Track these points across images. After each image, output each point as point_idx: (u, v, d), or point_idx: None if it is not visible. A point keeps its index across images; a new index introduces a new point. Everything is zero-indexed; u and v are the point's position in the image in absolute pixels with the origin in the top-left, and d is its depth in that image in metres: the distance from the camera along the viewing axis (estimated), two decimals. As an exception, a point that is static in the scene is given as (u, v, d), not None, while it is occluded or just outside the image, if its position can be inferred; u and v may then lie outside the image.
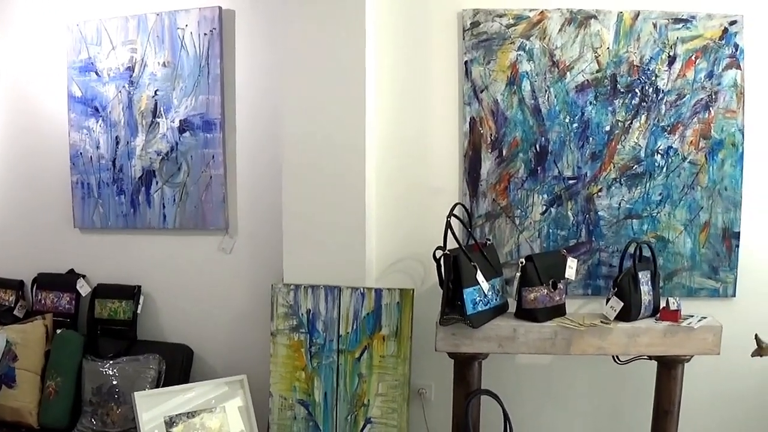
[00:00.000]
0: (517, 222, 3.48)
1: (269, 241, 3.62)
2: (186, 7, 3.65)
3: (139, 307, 3.79)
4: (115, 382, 3.58)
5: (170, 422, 3.28)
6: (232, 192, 3.72)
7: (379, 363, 3.31)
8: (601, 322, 3.10)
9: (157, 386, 3.56)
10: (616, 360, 3.26)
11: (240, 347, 3.76)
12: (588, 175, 3.43)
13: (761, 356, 3.04)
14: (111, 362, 3.65)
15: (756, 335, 3.03)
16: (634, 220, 3.44)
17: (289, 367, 3.39)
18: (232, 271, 3.76)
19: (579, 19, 3.39)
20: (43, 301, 3.95)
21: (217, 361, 3.80)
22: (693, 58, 3.38)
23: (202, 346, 3.79)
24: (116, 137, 3.80)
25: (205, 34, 3.63)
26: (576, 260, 3.28)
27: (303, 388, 3.38)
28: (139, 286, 3.82)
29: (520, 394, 3.54)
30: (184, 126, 3.69)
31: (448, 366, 3.21)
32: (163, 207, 3.76)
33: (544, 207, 3.47)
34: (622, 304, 3.10)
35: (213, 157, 3.67)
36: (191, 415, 3.33)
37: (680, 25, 3.37)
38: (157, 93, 3.72)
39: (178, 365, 3.67)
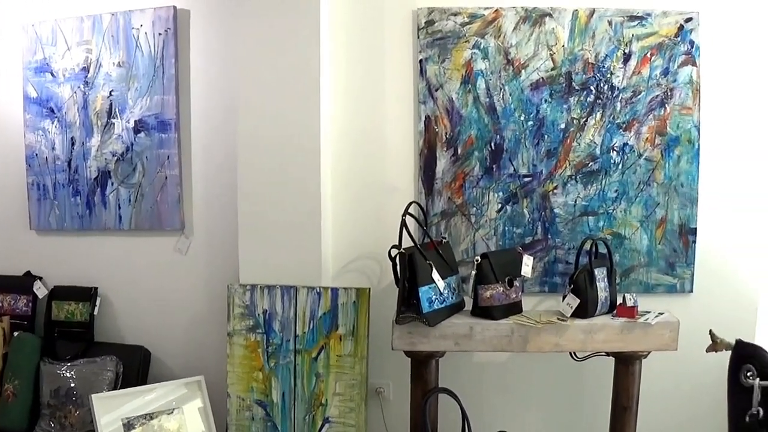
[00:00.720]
0: (473, 220, 3.48)
1: (225, 242, 3.61)
2: (141, 6, 3.62)
3: (96, 308, 3.76)
4: (72, 385, 3.55)
5: (128, 425, 3.25)
6: (187, 192, 3.70)
7: (337, 362, 3.31)
8: (558, 319, 3.11)
9: (115, 388, 3.53)
10: (574, 357, 3.27)
11: (197, 348, 3.74)
12: (543, 172, 3.44)
13: (716, 351, 3.04)
14: (68, 364, 3.61)
15: (710, 331, 3.04)
16: (590, 217, 3.45)
17: (246, 367, 3.37)
18: (188, 272, 3.73)
19: (534, 17, 3.39)
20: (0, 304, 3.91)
21: (174, 363, 3.77)
22: (648, 55, 3.40)
23: (160, 348, 3.76)
24: (72, 138, 3.76)
25: (160, 33, 3.60)
26: (532, 258, 3.29)
27: (260, 388, 3.37)
28: (96, 288, 3.78)
29: (478, 391, 3.55)
30: (139, 126, 3.66)
31: (405, 364, 3.20)
32: (119, 208, 3.73)
33: (500, 205, 3.47)
34: (579, 300, 3.12)
35: (168, 157, 3.65)
36: (149, 417, 3.30)
37: (635, 23, 3.39)
38: (112, 93, 3.68)
39: (135, 367, 3.64)
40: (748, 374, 2.65)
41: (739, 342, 2.78)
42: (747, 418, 2.60)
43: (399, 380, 3.42)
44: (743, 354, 2.73)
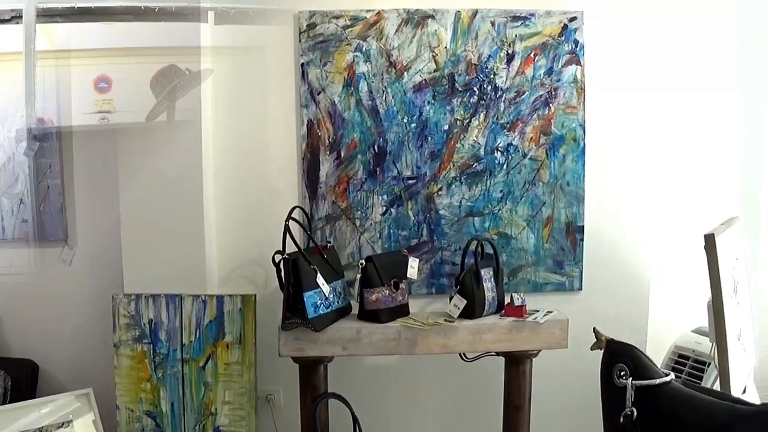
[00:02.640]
0: (358, 223, 3.47)
1: (109, 251, 3.51)
2: (21, 12, 3.55)
3: (-18, 323, 3.69)
4: (-39, 402, 3.48)
5: (18, 440, 3.19)
6: (70, 202, 3.61)
7: (225, 371, 3.28)
8: (445, 320, 3.12)
9: (4, 403, 3.44)
10: (464, 357, 3.28)
11: (85, 360, 3.64)
12: (428, 174, 3.45)
13: (600, 349, 3.06)
14: (-44, 381, 3.54)
15: (594, 328, 3.06)
16: (475, 218, 3.47)
17: (134, 378, 3.33)
18: (73, 283, 3.64)
19: (416, 19, 3.39)
20: None
21: (63, 376, 3.67)
22: (532, 55, 3.43)
23: (47, 360, 3.66)
24: (-48, 149, 3.68)
25: (41, 38, 3.54)
26: (417, 260, 3.28)
27: (149, 399, 3.33)
28: (-19, 301, 3.70)
29: (370, 395, 3.54)
30: (21, 135, 3.58)
31: (295, 371, 3.18)
32: (2, 219, 3.64)
33: (385, 208, 3.47)
34: (466, 301, 3.12)
35: (50, 166, 3.57)
36: (41, 431, 3.24)
37: (519, 23, 3.41)
38: (-7, 102, 3.61)
39: (23, 380, 3.54)
40: (621, 374, 2.66)
41: (610, 341, 2.80)
42: (621, 419, 2.61)
43: (289, 386, 3.39)
44: (615, 353, 2.74)
